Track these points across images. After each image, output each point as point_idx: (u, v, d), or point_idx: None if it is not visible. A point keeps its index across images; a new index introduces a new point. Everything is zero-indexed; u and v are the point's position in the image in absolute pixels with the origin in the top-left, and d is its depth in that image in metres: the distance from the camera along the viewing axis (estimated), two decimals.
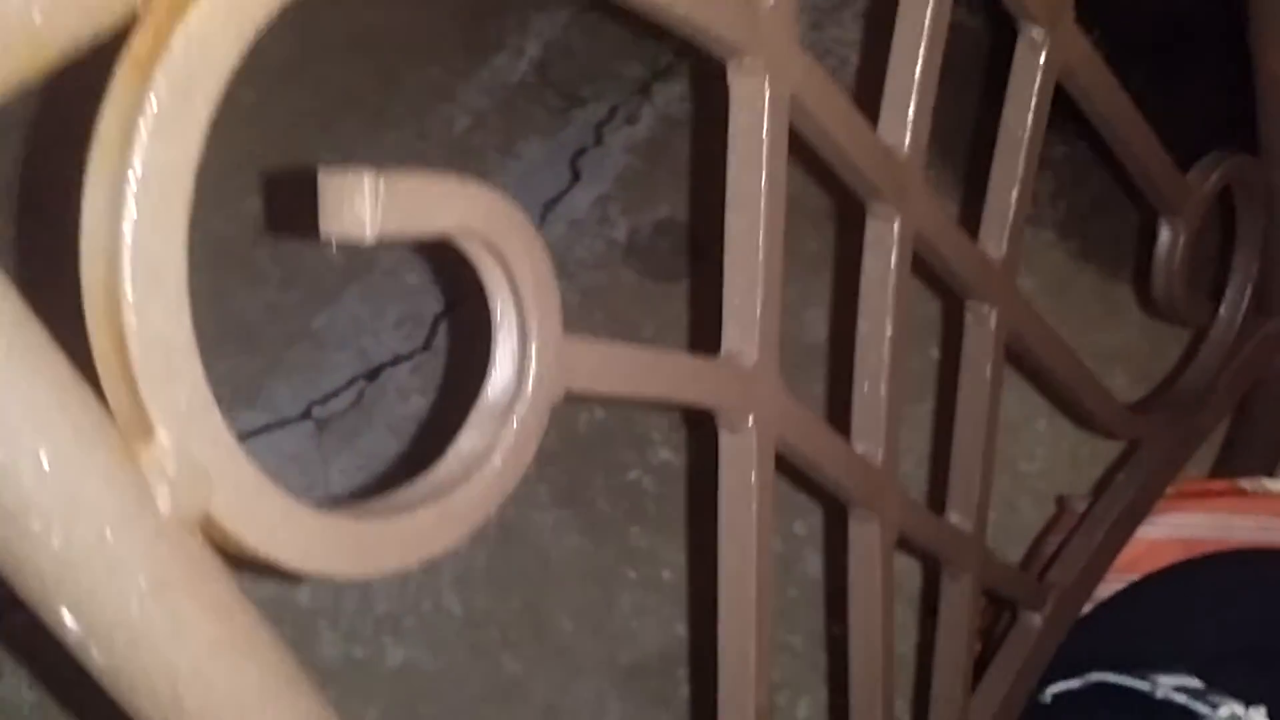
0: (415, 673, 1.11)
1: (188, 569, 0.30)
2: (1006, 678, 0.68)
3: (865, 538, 0.55)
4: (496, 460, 0.37)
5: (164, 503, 0.29)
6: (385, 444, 1.20)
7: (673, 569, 1.14)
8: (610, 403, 1.18)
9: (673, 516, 1.16)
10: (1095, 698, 0.72)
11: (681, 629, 1.11)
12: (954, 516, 0.61)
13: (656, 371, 0.42)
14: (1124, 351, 1.20)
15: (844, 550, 0.57)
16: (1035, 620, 0.69)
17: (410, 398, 1.22)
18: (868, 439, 0.54)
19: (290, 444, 1.20)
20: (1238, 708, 0.70)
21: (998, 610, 0.75)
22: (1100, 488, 0.76)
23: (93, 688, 0.32)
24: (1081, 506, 0.82)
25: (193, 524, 0.30)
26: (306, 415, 1.21)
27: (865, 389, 0.53)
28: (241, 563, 0.32)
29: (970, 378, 0.58)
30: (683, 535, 1.15)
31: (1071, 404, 0.67)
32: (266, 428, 1.20)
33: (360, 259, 1.29)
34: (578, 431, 1.20)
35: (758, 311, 0.44)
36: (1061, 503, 0.86)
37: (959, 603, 0.62)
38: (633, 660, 1.10)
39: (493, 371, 0.38)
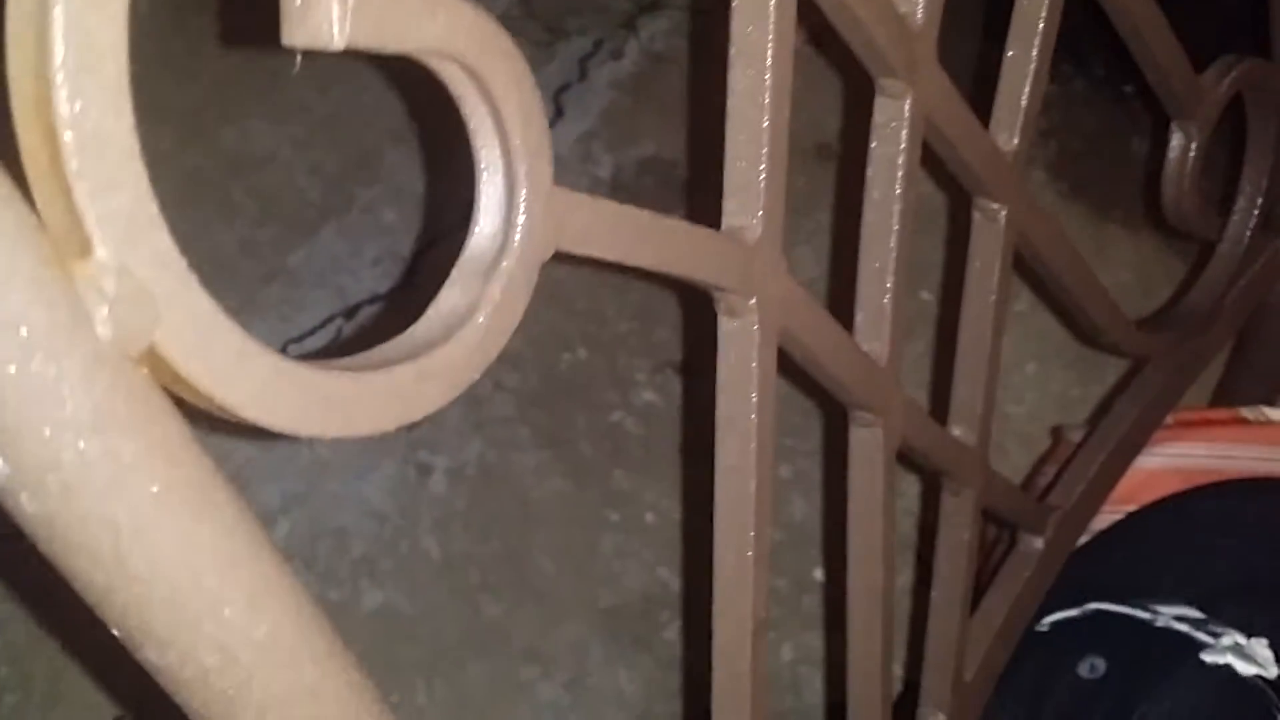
0: (393, 616, 1.07)
1: (130, 406, 0.26)
2: (1006, 601, 0.64)
3: (867, 445, 0.51)
4: (480, 320, 0.33)
5: (103, 326, 0.25)
6: None
7: (656, 512, 1.11)
8: (601, 268, 1.14)
9: (656, 459, 1.12)
10: (1094, 626, 0.69)
11: (664, 572, 1.08)
12: (957, 430, 0.58)
13: (654, 236, 0.38)
14: (1115, 291, 1.15)
15: (842, 480, 0.53)
16: (1036, 544, 0.66)
17: (388, 337, 1.18)
18: (872, 338, 0.50)
19: None
20: (1239, 638, 0.67)
21: (995, 538, 0.72)
22: (1101, 411, 0.73)
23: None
24: (1078, 436, 0.79)
25: (136, 355, 0.26)
26: (282, 353, 1.16)
27: (870, 285, 0.50)
28: (192, 412, 0.28)
29: (977, 282, 0.55)
30: (666, 478, 1.11)
31: (1078, 317, 0.64)
32: None
33: (338, 195, 1.24)
34: (559, 372, 1.16)
35: (761, 181, 0.40)
36: (1057, 433, 0.82)
37: (959, 521, 0.59)
38: (614, 603, 1.07)
39: (476, 223, 0.34)
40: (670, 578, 1.08)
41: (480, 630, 1.05)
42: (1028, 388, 1.17)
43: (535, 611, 1.06)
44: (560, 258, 0.39)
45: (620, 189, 1.25)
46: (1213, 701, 0.64)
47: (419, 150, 1.26)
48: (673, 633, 1.06)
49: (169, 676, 0.29)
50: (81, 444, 0.25)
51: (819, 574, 1.07)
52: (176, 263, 0.27)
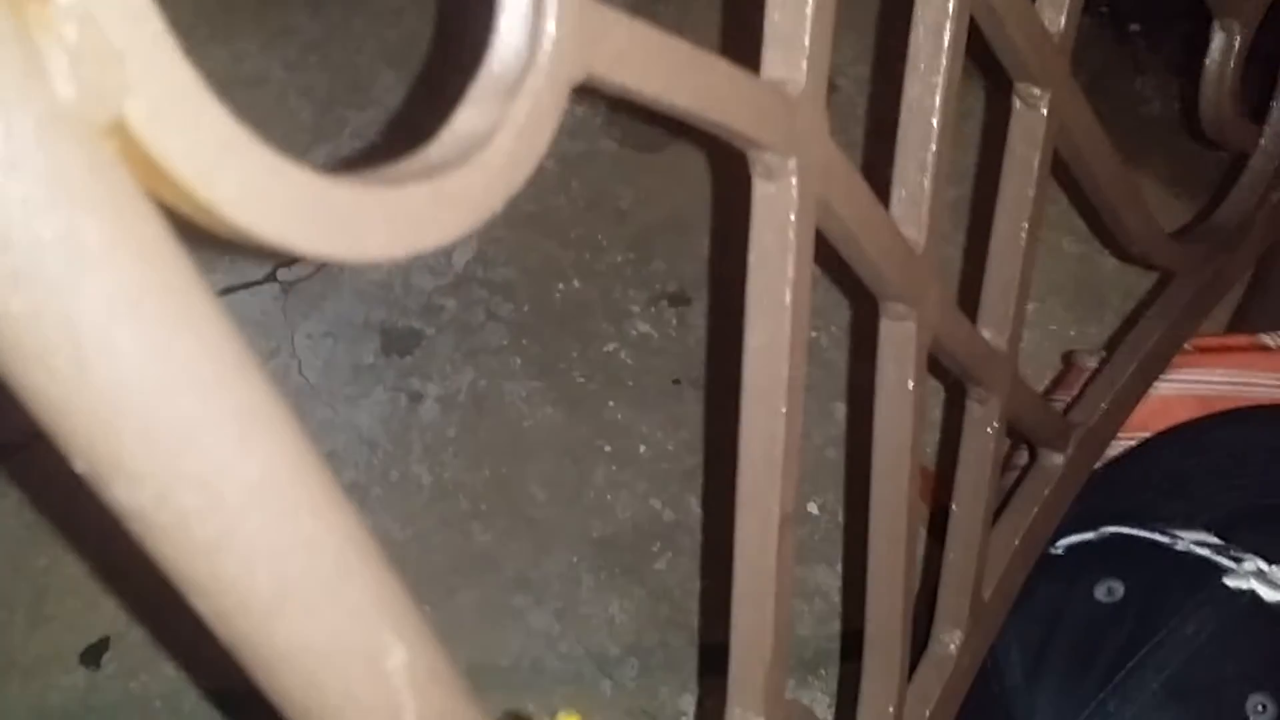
0: (383, 542, 1.01)
1: (95, 181, 0.21)
2: (1024, 519, 0.60)
3: (899, 339, 0.47)
4: (501, 143, 0.28)
5: (62, 82, 0.20)
6: (352, 309, 1.11)
7: (649, 444, 1.06)
8: (632, 104, 1.09)
9: (650, 390, 1.08)
10: (1111, 550, 0.65)
11: (657, 503, 1.04)
12: (985, 333, 0.53)
13: (694, 72, 0.33)
14: None
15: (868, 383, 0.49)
16: (1056, 460, 0.62)
17: (379, 264, 1.13)
18: (909, 222, 0.46)
19: (254, 307, 1.10)
20: (1262, 564, 0.63)
21: (1009, 458, 0.68)
22: (1126, 328, 0.69)
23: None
24: (1091, 362, 0.75)
25: (101, 127, 0.21)
26: (272, 278, 1.11)
27: (908, 164, 0.45)
28: (167, 209, 0.24)
29: (1014, 174, 0.50)
30: (660, 410, 1.07)
31: (1110, 222, 0.60)
32: (230, 289, 1.10)
33: (329, 119, 1.19)
34: (553, 302, 1.12)
35: (807, 28, 0.36)
36: (1068, 358, 0.78)
37: (984, 430, 0.54)
38: (606, 533, 1.02)
39: (498, 34, 0.29)
40: (662, 509, 1.03)
41: (471, 558, 1.01)
42: (1027, 328, 1.12)
43: (526, 540, 1.02)
44: (586, 92, 0.34)
45: (616, 120, 1.19)
46: (1236, 626, 0.61)
47: (411, 75, 1.20)
48: (664, 563, 1.01)
49: (142, 522, 0.24)
50: (35, 220, 0.20)
51: (813, 508, 1.03)
52: (153, 21, 0.22)
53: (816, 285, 0.42)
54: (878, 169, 0.49)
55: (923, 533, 0.77)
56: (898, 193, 0.45)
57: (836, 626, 0.99)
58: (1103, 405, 0.64)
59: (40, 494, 1.04)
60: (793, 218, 0.38)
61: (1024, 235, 0.52)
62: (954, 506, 0.56)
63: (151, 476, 0.23)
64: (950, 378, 0.59)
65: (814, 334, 1.05)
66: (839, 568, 1.01)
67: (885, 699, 0.52)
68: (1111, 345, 0.73)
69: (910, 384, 0.48)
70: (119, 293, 0.21)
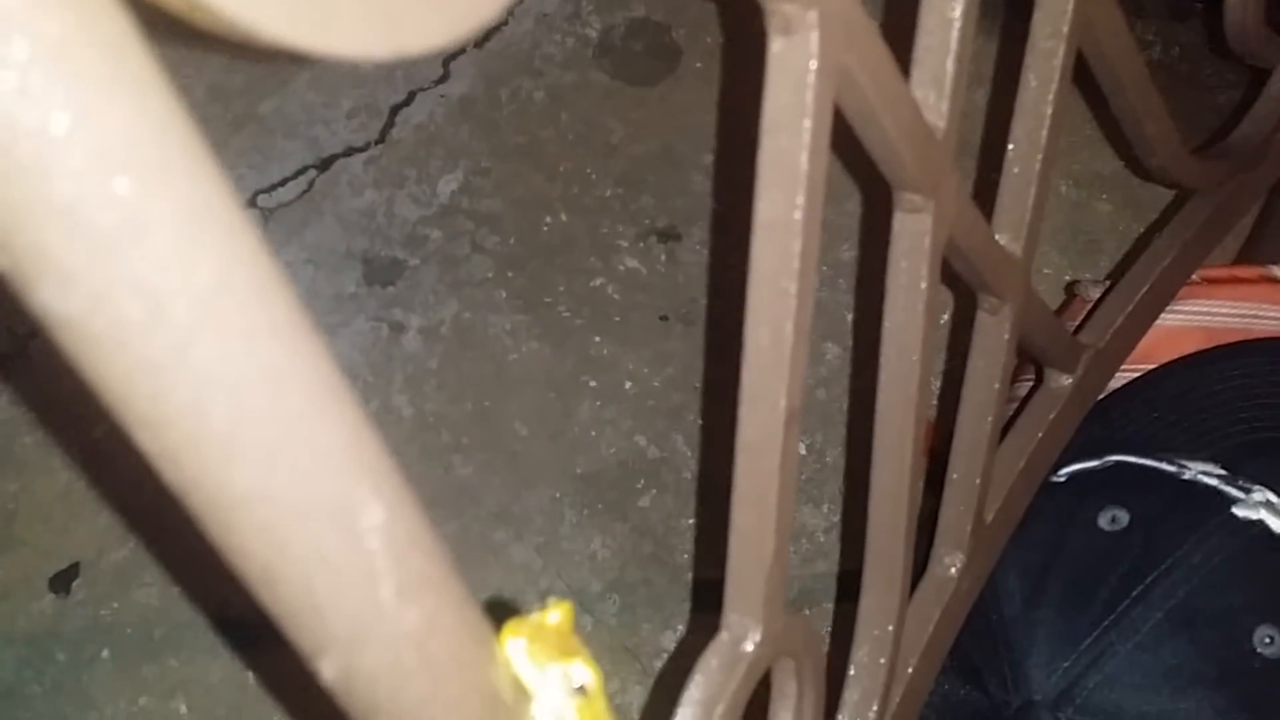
0: None
1: None
2: (1030, 441, 0.57)
3: (913, 231, 0.43)
4: None
5: None
6: (334, 237, 1.06)
7: (635, 380, 1.02)
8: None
9: (637, 327, 1.04)
10: (1115, 478, 0.62)
11: (642, 440, 1.00)
12: (1001, 238, 0.50)
13: None
14: (1113, 178, 1.09)
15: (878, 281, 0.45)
16: (1064, 381, 0.58)
17: (363, 192, 1.08)
18: (929, 104, 0.42)
19: None
20: (1271, 495, 0.60)
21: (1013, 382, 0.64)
22: (1140, 248, 0.66)
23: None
24: (1095, 292, 0.71)
25: None
26: (252, 204, 1.07)
27: (931, 41, 0.41)
28: None
29: (1037, 62, 0.47)
30: (647, 346, 1.03)
31: (1131, 133, 0.56)
32: None
33: None
34: (540, 235, 1.07)
35: None
36: (1071, 289, 0.75)
37: (995, 343, 0.51)
38: (590, 470, 0.99)
39: None
40: (647, 446, 1.00)
41: (451, 491, 0.97)
42: None
43: (508, 474, 0.98)
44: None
45: (607, 51, 1.15)
46: (1245, 557, 0.58)
47: None
48: (648, 501, 0.98)
49: (74, 332, 0.20)
50: None
51: (801, 448, 0.99)
52: None
53: None
54: (895, 50, 0.45)
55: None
56: (918, 73, 0.41)
57: (821, 567, 0.96)
58: (1114, 326, 0.60)
59: (12, 417, 1.00)
60: (812, 74, 0.34)
61: (1045, 133, 0.48)
62: (959, 422, 0.53)
63: (85, 277, 0.19)
64: (959, 292, 0.55)
65: None
66: (825, 509, 0.98)
67: (884, 617, 0.49)
68: (1115, 276, 0.70)
69: (923, 284, 0.44)
70: (48, 52, 0.18)
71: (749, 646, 0.41)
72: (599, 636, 0.95)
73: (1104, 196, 1.09)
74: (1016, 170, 0.49)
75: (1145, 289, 0.62)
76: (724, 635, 0.41)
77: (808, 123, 0.35)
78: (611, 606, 0.95)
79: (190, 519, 0.24)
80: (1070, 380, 0.59)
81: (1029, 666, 0.58)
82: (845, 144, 0.43)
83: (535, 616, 0.31)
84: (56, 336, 0.20)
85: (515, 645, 0.30)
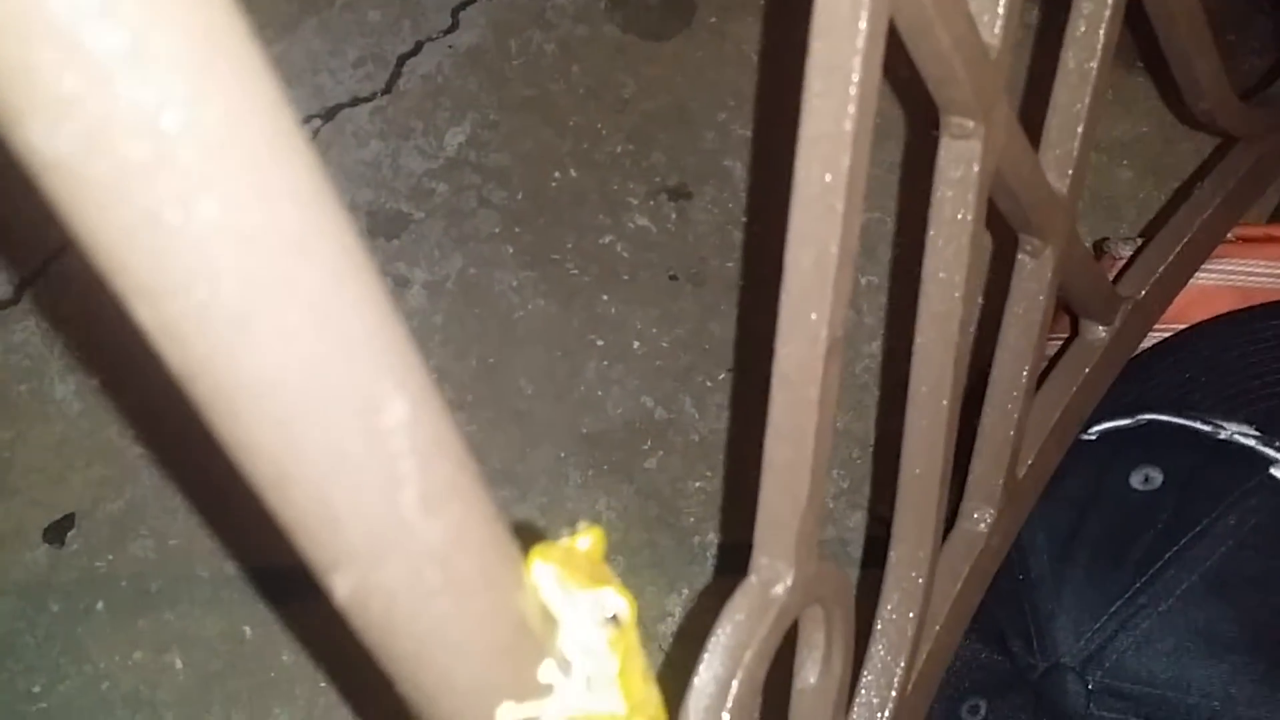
0: None
1: None
2: (1064, 395, 0.54)
3: (960, 158, 0.41)
4: None
5: None
6: (339, 188, 1.03)
7: (643, 340, 1.00)
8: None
9: (646, 285, 1.01)
10: (1148, 437, 0.60)
11: (649, 401, 0.98)
12: (1047, 176, 0.47)
13: None
14: (1135, 144, 1.06)
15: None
16: (1101, 334, 0.56)
17: (369, 143, 1.05)
18: (982, 21, 0.39)
19: None
20: None
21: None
22: (1179, 198, 0.63)
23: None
24: (1126, 250, 0.69)
25: None
26: None
27: None
28: None
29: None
30: (656, 306, 1.01)
31: (1180, 75, 0.53)
32: None
33: None
34: (548, 191, 1.05)
35: None
36: (1101, 246, 0.72)
37: (1035, 288, 0.48)
38: (596, 430, 0.96)
39: None
40: (655, 407, 0.97)
41: None
42: None
43: (513, 433, 0.96)
44: None
45: (620, 4, 1.12)
46: None
47: None
48: (654, 462, 0.96)
49: (66, 178, 0.17)
50: None
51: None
52: None
53: None
54: None
55: None
56: None
57: (830, 533, 0.94)
58: (1154, 277, 0.58)
59: (7, 364, 0.97)
60: None
61: (1096, 65, 0.45)
62: (994, 371, 0.50)
63: (81, 108, 0.17)
64: (997, 236, 0.53)
65: None
66: (835, 474, 0.96)
67: (914, 569, 0.47)
68: (1149, 233, 0.68)
69: (969, 215, 0.41)
70: None
71: (779, 591, 0.38)
72: None
73: (1125, 162, 1.06)
74: (1064, 103, 0.46)
75: (1186, 239, 0.59)
76: (753, 579, 0.39)
77: (862, 24, 0.32)
78: (616, 568, 0.92)
79: (200, 448, 0.21)
80: (1107, 332, 0.56)
81: (1056, 628, 0.55)
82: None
83: (565, 541, 0.29)
84: (46, 184, 0.18)
85: (543, 570, 0.27)
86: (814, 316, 0.35)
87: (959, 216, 0.41)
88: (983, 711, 0.58)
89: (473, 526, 0.24)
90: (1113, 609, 0.55)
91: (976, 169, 0.41)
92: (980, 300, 0.84)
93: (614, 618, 0.28)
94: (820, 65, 0.33)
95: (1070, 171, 0.47)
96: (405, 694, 0.26)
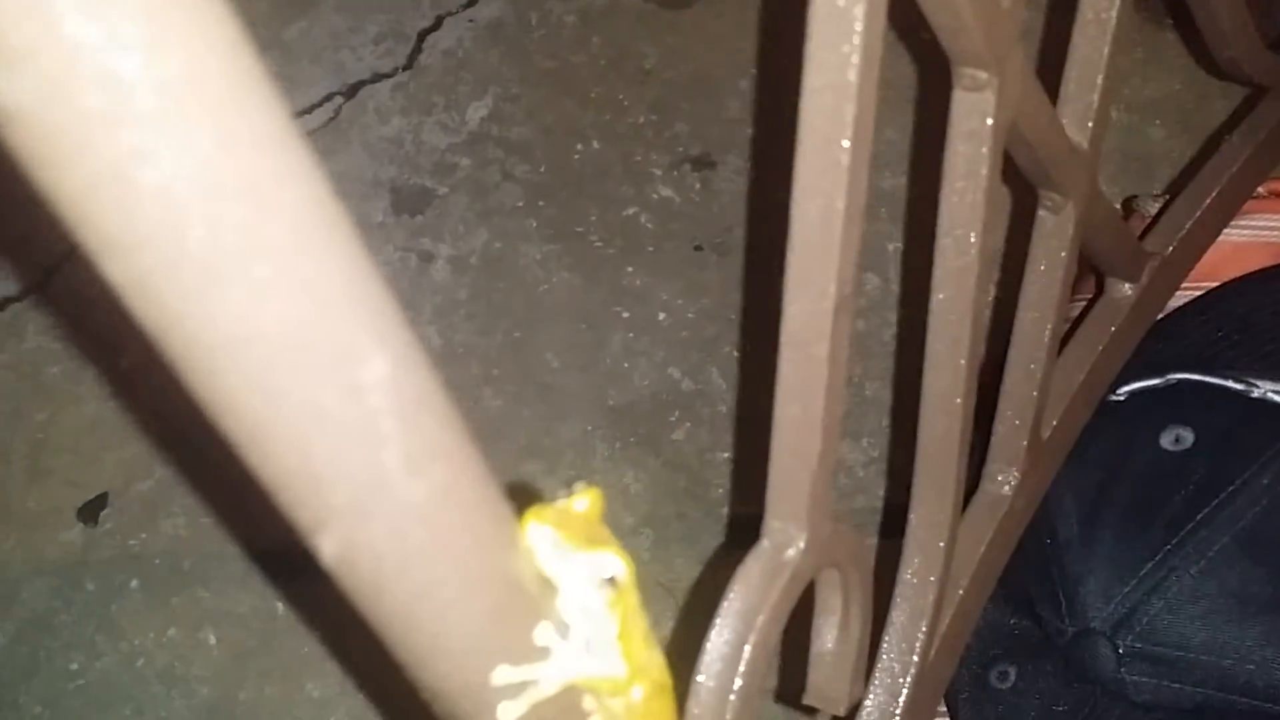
0: None
1: None
2: (1090, 354, 0.53)
3: (974, 110, 0.40)
4: None
5: None
6: (361, 165, 1.03)
7: (669, 311, 0.99)
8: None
9: (671, 256, 1.01)
10: (1179, 396, 0.58)
11: (676, 372, 0.97)
12: (1066, 128, 0.46)
13: None
14: (1166, 102, 1.04)
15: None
16: (1127, 290, 0.55)
17: (391, 119, 1.05)
18: None
19: None
20: None
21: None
22: (1207, 151, 0.61)
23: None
24: (1154, 207, 0.67)
25: None
26: None
27: None
28: None
29: None
30: (681, 277, 1.00)
31: (1205, 25, 0.52)
32: None
33: None
34: (571, 163, 1.04)
35: None
36: (1129, 204, 0.71)
37: (1056, 243, 0.47)
38: (622, 402, 0.96)
39: None
40: (681, 378, 0.97)
41: (481, 423, 0.95)
42: None
43: (539, 407, 0.96)
44: None
45: None
46: None
47: None
48: (682, 434, 0.95)
49: (27, 129, 0.17)
50: None
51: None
52: None
53: None
54: None
55: None
56: None
57: (860, 502, 0.93)
58: (1181, 233, 0.56)
59: (40, 346, 0.98)
60: None
61: (1114, 13, 0.44)
62: (1016, 329, 0.49)
63: (38, 56, 0.16)
64: (1018, 193, 0.52)
65: None
66: (864, 443, 0.95)
67: (935, 531, 0.46)
68: (1174, 189, 0.66)
69: (984, 169, 0.40)
70: None
71: (792, 554, 0.38)
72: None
73: (1157, 122, 1.04)
74: (1083, 54, 0.45)
75: (1214, 194, 0.58)
76: (765, 543, 0.38)
77: None
78: (644, 542, 0.92)
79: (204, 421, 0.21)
80: (1134, 290, 0.55)
81: (1085, 592, 0.54)
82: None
83: (561, 502, 0.28)
84: (8, 137, 0.18)
85: (538, 531, 0.27)
86: (822, 272, 0.35)
87: (973, 170, 0.40)
88: (1011, 678, 0.58)
89: (460, 486, 0.24)
90: (1143, 572, 0.54)
91: (990, 122, 0.40)
92: (1000, 263, 0.82)
93: (612, 579, 0.27)
94: (822, 13, 0.32)
95: (1090, 124, 0.46)
96: (398, 657, 0.26)
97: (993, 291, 0.77)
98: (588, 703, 0.28)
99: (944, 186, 0.41)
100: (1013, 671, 0.57)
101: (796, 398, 0.36)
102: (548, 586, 0.27)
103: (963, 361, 0.42)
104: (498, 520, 0.25)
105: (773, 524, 0.38)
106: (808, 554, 0.38)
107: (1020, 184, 0.48)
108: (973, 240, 0.41)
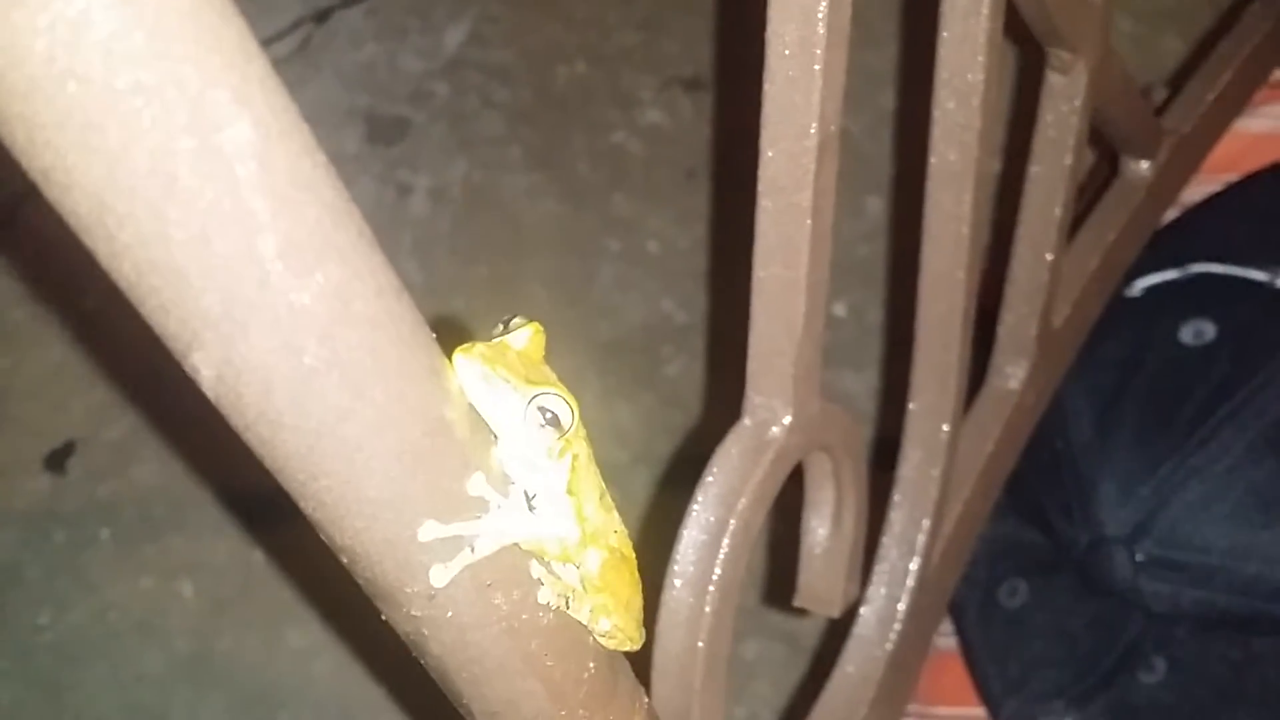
0: None
1: None
2: (1104, 237, 0.49)
3: None
4: None
5: None
6: (334, 94, 1.00)
7: (659, 240, 0.95)
8: None
9: (661, 183, 0.97)
10: (1199, 290, 0.55)
11: (668, 304, 0.93)
12: None
13: None
14: (1178, 12, 1.00)
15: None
16: (1143, 168, 0.51)
17: (364, 45, 1.01)
18: None
19: None
20: None
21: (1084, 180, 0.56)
22: (1223, 29, 0.57)
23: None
24: (1163, 95, 0.63)
25: None
26: None
27: None
28: None
29: None
30: (672, 204, 0.96)
31: None
32: None
33: None
34: (555, 88, 1.00)
35: None
36: (1144, 92, 0.67)
37: (1065, 107, 0.43)
38: (613, 336, 0.92)
39: None
40: (674, 310, 0.93)
41: None
42: None
43: None
44: None
45: None
46: None
47: None
48: (676, 368, 0.92)
49: None
50: None
51: (840, 309, 0.92)
52: None
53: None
54: None
55: None
56: None
57: (865, 433, 0.89)
58: (1201, 109, 0.52)
59: (1, 289, 0.95)
60: None
61: None
62: (1023, 210, 0.46)
63: None
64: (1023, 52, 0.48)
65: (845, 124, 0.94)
66: (866, 373, 0.91)
67: (936, 419, 0.42)
68: (1177, 81, 0.62)
69: (983, 10, 0.36)
70: None
71: (776, 431, 0.34)
72: (628, 511, 0.89)
73: (1171, 29, 0.99)
74: None
75: (1234, 68, 0.54)
76: (746, 421, 0.35)
77: None
78: (640, 479, 0.89)
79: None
80: (1150, 168, 0.51)
81: (1100, 497, 0.51)
82: None
83: (497, 339, 0.25)
84: None
85: (466, 365, 0.23)
86: (801, 107, 0.31)
87: (973, 11, 0.37)
88: (1021, 593, 0.54)
89: (359, 295, 0.20)
90: (1162, 472, 0.50)
91: None
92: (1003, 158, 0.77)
93: (555, 421, 0.24)
94: None
95: None
96: (308, 512, 0.22)
97: (997, 152, 0.73)
98: (535, 569, 0.25)
99: (941, 33, 0.38)
100: (1023, 587, 0.54)
101: (777, 254, 0.32)
102: (483, 433, 0.24)
103: (965, 230, 0.39)
104: (413, 344, 0.22)
105: (754, 399, 0.34)
106: (793, 432, 0.34)
107: (1029, 49, 0.45)
108: (975, 91, 0.37)
